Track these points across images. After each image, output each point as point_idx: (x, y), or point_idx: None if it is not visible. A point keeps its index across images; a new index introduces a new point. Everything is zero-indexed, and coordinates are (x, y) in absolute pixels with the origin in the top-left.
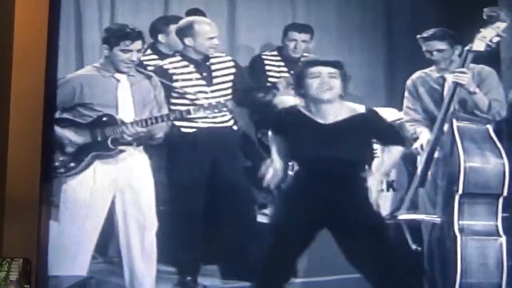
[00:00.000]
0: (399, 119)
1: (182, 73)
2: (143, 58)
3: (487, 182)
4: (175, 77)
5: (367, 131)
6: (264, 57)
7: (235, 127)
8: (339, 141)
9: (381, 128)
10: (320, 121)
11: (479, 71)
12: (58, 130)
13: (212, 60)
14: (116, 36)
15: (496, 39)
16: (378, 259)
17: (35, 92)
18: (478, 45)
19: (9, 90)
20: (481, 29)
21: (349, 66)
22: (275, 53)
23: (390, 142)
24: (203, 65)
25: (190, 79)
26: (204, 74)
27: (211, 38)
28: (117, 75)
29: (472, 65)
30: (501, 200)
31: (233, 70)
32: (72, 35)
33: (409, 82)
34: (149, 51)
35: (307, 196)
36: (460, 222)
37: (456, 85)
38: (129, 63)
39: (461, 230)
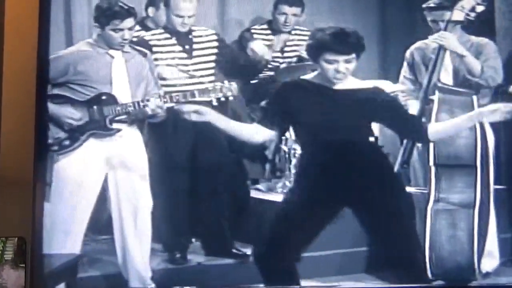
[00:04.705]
0: (393, 92)
1: (164, 45)
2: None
3: (458, 154)
4: (155, 49)
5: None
6: (253, 31)
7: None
8: (347, 106)
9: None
10: (327, 85)
11: (477, 42)
12: (54, 107)
13: (194, 33)
14: (106, 15)
15: (480, 8)
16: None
17: (28, 68)
18: (457, 15)
19: (1, 67)
20: None
21: None
22: (265, 26)
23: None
24: (185, 38)
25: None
26: (186, 46)
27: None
28: (112, 52)
29: (471, 37)
30: (479, 171)
31: (215, 44)
32: (61, 11)
33: (408, 52)
34: (137, 27)
35: (318, 169)
36: (437, 193)
37: (440, 47)
38: (123, 41)
39: (436, 201)
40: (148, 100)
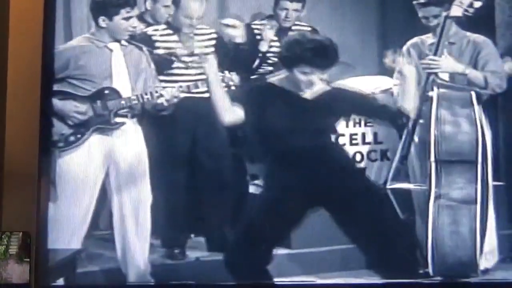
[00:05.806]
0: (390, 88)
1: (165, 42)
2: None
3: (459, 150)
4: (157, 45)
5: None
6: (254, 26)
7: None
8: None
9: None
10: (296, 91)
11: (474, 40)
12: (58, 102)
13: (196, 32)
14: (117, 4)
15: (478, 4)
16: (374, 226)
17: (33, 64)
18: (456, 10)
19: (6, 63)
20: None
21: (341, 34)
22: (265, 22)
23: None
24: (186, 35)
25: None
26: (187, 44)
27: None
28: (110, 45)
29: (467, 33)
30: (479, 167)
31: (213, 42)
32: (60, 5)
33: (404, 48)
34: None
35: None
36: (437, 190)
37: (429, 75)
38: (131, 29)
39: (437, 197)
40: (162, 90)
